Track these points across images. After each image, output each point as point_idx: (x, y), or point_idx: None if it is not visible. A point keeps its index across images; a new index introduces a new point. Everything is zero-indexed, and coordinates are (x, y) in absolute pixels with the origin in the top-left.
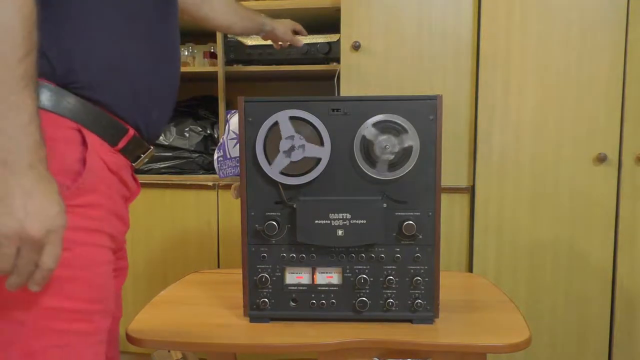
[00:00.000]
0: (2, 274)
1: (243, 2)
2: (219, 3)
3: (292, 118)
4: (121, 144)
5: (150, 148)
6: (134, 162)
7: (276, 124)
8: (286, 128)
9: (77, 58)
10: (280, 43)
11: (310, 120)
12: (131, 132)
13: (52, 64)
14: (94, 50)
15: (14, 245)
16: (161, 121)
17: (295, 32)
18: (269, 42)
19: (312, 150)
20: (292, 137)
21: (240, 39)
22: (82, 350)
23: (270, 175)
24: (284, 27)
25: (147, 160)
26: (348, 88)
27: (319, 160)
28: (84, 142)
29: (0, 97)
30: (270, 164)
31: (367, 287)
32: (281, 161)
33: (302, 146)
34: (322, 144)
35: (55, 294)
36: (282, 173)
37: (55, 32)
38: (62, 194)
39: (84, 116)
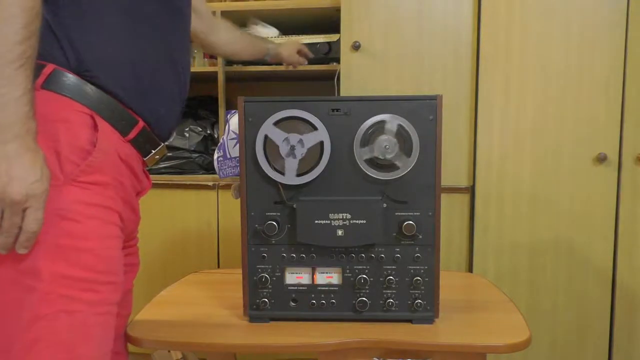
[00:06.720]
0: None
1: (243, 3)
2: (224, 32)
3: (276, 123)
4: (132, 135)
5: (160, 144)
6: (144, 157)
7: (275, 124)
8: (276, 134)
9: (87, 52)
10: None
11: (310, 120)
12: (141, 123)
13: (67, 56)
14: (101, 46)
15: None
16: (170, 118)
17: (299, 52)
18: None
19: (311, 139)
20: (287, 140)
21: None
22: (89, 317)
23: (278, 180)
24: (288, 51)
25: (158, 157)
26: (348, 88)
27: (321, 152)
28: (96, 127)
29: None
30: (270, 164)
31: (367, 287)
32: (291, 165)
33: (300, 141)
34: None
35: (64, 262)
36: (281, 172)
37: (70, 29)
38: (72, 171)
39: (97, 104)
